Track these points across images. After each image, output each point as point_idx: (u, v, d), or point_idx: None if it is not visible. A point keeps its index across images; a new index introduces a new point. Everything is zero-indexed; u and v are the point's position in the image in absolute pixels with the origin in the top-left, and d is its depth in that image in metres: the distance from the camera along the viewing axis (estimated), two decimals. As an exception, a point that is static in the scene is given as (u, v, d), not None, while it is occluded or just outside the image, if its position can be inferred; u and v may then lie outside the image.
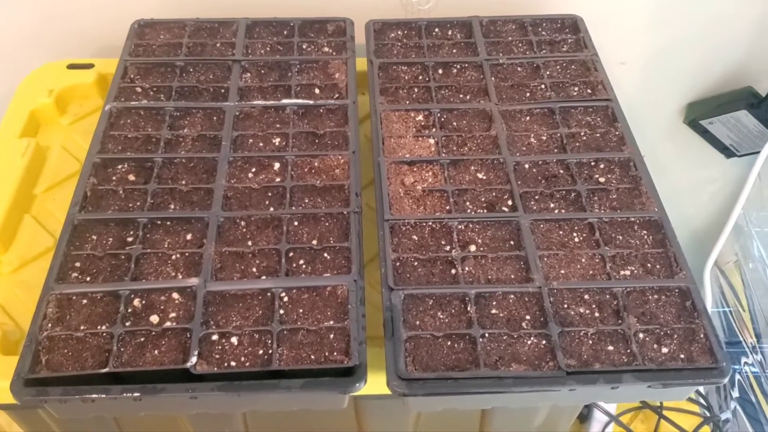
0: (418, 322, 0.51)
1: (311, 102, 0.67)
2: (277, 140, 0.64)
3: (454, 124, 0.66)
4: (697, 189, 1.10)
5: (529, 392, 0.48)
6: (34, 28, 0.84)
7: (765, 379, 0.94)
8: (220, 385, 0.48)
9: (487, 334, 0.50)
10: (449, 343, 0.50)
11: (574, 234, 0.57)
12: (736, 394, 0.98)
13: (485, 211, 0.58)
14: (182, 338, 0.50)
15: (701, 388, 0.89)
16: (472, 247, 0.56)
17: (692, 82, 0.96)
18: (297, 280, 0.54)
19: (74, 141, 0.73)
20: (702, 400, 0.88)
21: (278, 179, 0.61)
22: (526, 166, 0.62)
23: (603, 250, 0.56)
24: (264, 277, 0.54)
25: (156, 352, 0.50)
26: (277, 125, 0.66)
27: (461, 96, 0.68)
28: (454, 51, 0.73)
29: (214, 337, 0.50)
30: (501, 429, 0.64)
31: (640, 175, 0.61)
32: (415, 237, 0.57)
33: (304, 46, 0.73)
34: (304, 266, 0.55)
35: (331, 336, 0.50)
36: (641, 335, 0.51)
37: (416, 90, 0.69)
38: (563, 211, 0.58)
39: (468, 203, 0.59)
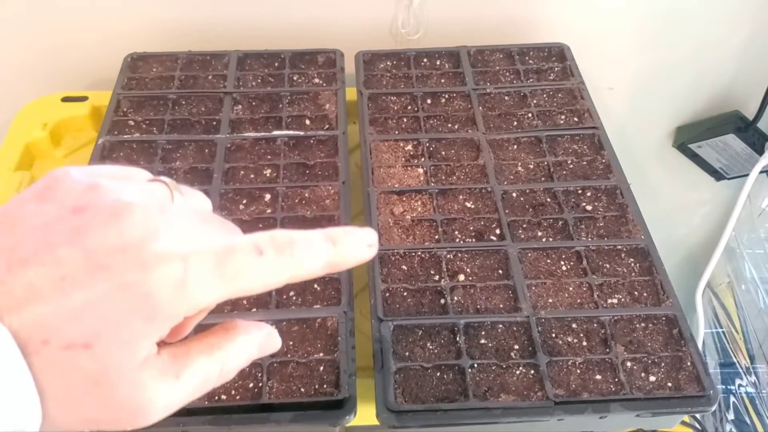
0: (407, 353, 0.52)
1: (302, 133, 0.68)
2: (268, 172, 0.65)
3: (443, 153, 0.66)
4: (688, 211, 1.11)
5: (517, 422, 0.48)
6: (29, 61, 0.86)
7: (759, 400, 0.94)
8: (211, 419, 0.48)
9: (476, 365, 0.51)
10: (438, 374, 0.51)
11: (562, 262, 0.57)
12: (731, 416, 0.98)
13: (474, 240, 0.59)
14: (173, 372, 0.50)
15: (696, 411, 0.89)
16: (461, 277, 0.56)
17: (680, 107, 0.98)
18: (287, 312, 0.54)
19: (68, 173, 0.74)
20: (697, 424, 0.88)
21: (269, 210, 0.61)
22: (514, 194, 0.63)
23: (590, 278, 0.56)
24: (254, 310, 0.54)
25: (147, 386, 0.50)
26: (268, 156, 0.66)
27: (449, 125, 0.69)
28: (443, 81, 0.74)
29: (205, 371, 0.50)
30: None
31: (627, 203, 0.62)
32: (404, 267, 0.57)
33: (294, 78, 0.74)
34: (294, 298, 0.55)
35: (321, 368, 0.51)
36: (629, 364, 0.51)
37: (405, 120, 0.70)
38: (551, 239, 0.59)
39: (457, 232, 0.60)
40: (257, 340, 0.29)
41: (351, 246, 0.28)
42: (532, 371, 0.50)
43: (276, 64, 0.76)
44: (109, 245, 0.25)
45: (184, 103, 0.71)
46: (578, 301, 0.55)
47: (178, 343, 0.27)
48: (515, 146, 0.67)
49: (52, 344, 0.23)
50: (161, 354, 0.26)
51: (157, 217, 0.26)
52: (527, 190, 0.63)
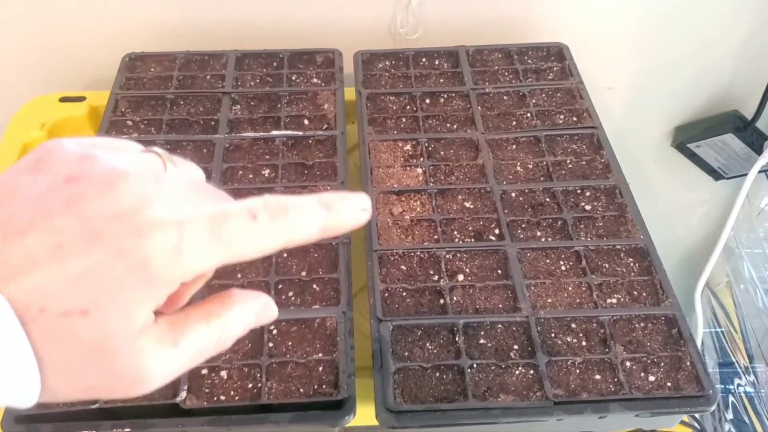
0: (406, 354, 0.52)
1: (300, 133, 0.68)
2: (266, 172, 0.65)
3: (442, 153, 0.66)
4: (687, 211, 1.11)
5: (516, 423, 0.48)
6: (27, 61, 0.85)
7: (758, 399, 0.94)
8: (210, 419, 0.48)
9: (475, 365, 0.51)
10: (438, 374, 0.51)
11: (561, 262, 0.57)
12: (730, 415, 0.98)
13: (473, 240, 0.59)
14: (172, 373, 0.50)
15: (694, 411, 0.89)
16: (460, 277, 0.56)
17: (679, 106, 0.98)
18: (286, 312, 0.54)
19: (66, 174, 0.73)
20: (696, 424, 0.88)
21: (268, 211, 0.61)
22: (513, 194, 0.62)
23: (589, 278, 0.56)
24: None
25: (146, 387, 0.50)
26: (267, 157, 0.66)
27: (448, 125, 0.69)
28: (441, 81, 0.74)
29: (204, 372, 0.50)
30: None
31: (626, 203, 0.62)
32: (403, 267, 0.57)
33: (293, 78, 0.74)
34: (293, 298, 0.55)
35: (320, 368, 0.51)
36: (628, 364, 0.51)
37: (404, 120, 0.70)
38: (550, 239, 0.59)
39: (456, 232, 0.60)
40: (254, 309, 0.29)
41: (345, 211, 0.28)
42: (532, 371, 0.50)
43: (274, 64, 0.76)
44: (104, 213, 0.25)
45: (182, 103, 0.71)
46: (577, 300, 0.55)
47: (176, 312, 0.27)
48: (514, 146, 0.67)
49: (49, 312, 0.23)
50: (158, 322, 0.26)
51: (151, 184, 0.26)
52: (526, 190, 0.63)
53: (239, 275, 0.56)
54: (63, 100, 0.79)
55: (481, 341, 0.52)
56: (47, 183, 0.25)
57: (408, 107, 0.71)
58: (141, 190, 0.26)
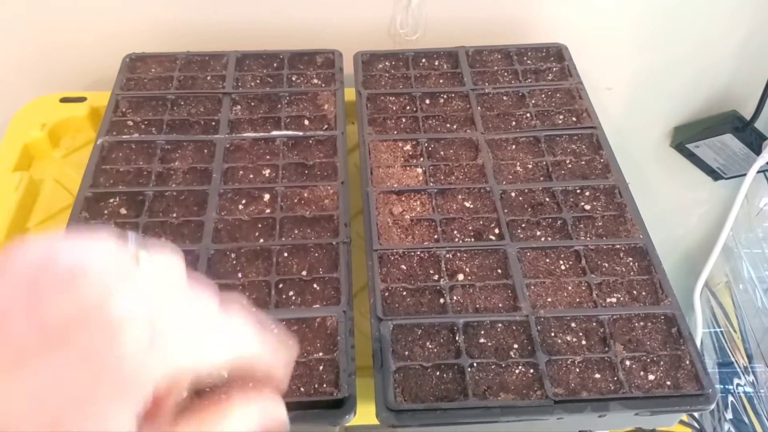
0: (407, 353, 0.52)
1: (301, 133, 0.68)
2: (267, 172, 0.65)
3: (442, 153, 0.67)
4: (686, 211, 1.11)
5: (516, 421, 0.49)
6: (27, 62, 0.86)
7: (757, 399, 0.94)
8: (211, 418, 0.48)
9: (475, 364, 0.51)
10: (438, 373, 0.51)
11: (561, 262, 0.58)
12: (729, 415, 0.98)
13: (473, 239, 0.59)
14: (173, 372, 0.50)
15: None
16: (460, 276, 0.56)
17: (678, 107, 0.98)
18: (287, 311, 0.54)
19: (67, 174, 0.74)
20: (695, 423, 0.89)
21: (268, 210, 0.62)
22: (513, 194, 0.63)
23: (589, 277, 0.56)
24: (254, 310, 0.54)
25: (147, 386, 0.50)
26: (267, 157, 0.67)
27: (448, 125, 0.69)
28: (441, 81, 0.74)
29: (205, 371, 0.50)
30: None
31: (625, 202, 0.62)
32: (403, 266, 0.57)
33: (293, 78, 0.74)
34: (293, 297, 0.55)
35: (321, 368, 0.51)
36: (628, 362, 0.51)
37: (404, 120, 0.70)
38: (549, 239, 0.59)
39: (456, 232, 0.60)
40: (256, 412, 0.27)
41: None
42: (532, 370, 0.51)
43: (275, 65, 0.76)
44: (64, 316, 0.23)
45: (182, 103, 0.71)
46: (577, 300, 0.55)
47: (164, 423, 0.25)
48: (514, 146, 0.67)
49: None
50: None
51: (117, 278, 0.24)
52: (526, 190, 0.63)
53: (240, 275, 0.56)
54: (63, 100, 0.79)
55: (481, 340, 0.52)
56: (6, 293, 0.24)
57: (408, 107, 0.71)
58: (103, 286, 0.23)
